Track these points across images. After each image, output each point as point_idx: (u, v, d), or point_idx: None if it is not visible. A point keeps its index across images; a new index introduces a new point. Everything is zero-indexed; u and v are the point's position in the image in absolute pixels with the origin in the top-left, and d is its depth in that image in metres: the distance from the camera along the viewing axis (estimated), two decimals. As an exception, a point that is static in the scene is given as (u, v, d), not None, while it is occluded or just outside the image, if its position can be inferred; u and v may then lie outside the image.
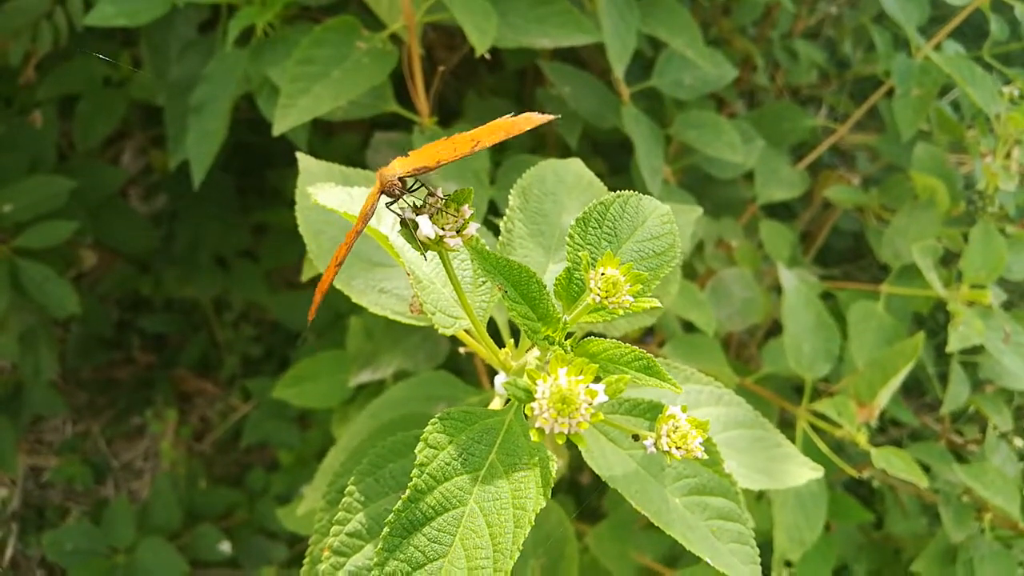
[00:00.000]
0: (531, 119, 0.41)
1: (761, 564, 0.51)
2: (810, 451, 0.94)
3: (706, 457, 0.41)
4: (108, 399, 1.69)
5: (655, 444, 0.40)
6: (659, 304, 0.41)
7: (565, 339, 0.42)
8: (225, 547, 1.37)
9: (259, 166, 1.55)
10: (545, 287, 0.42)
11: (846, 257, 1.60)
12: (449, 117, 1.21)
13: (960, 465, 0.99)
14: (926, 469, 1.03)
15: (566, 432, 0.36)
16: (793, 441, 0.95)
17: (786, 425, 1.04)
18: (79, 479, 1.56)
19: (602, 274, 0.40)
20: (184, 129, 1.02)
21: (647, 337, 1.14)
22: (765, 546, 0.87)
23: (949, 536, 1.00)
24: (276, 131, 0.82)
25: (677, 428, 0.40)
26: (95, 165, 1.39)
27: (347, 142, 1.41)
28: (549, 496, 0.38)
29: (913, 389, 1.51)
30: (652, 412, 0.47)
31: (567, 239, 0.44)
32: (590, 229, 0.45)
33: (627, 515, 0.97)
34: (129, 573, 1.27)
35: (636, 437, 0.41)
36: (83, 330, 1.60)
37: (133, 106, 1.33)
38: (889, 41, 1.25)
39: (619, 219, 0.45)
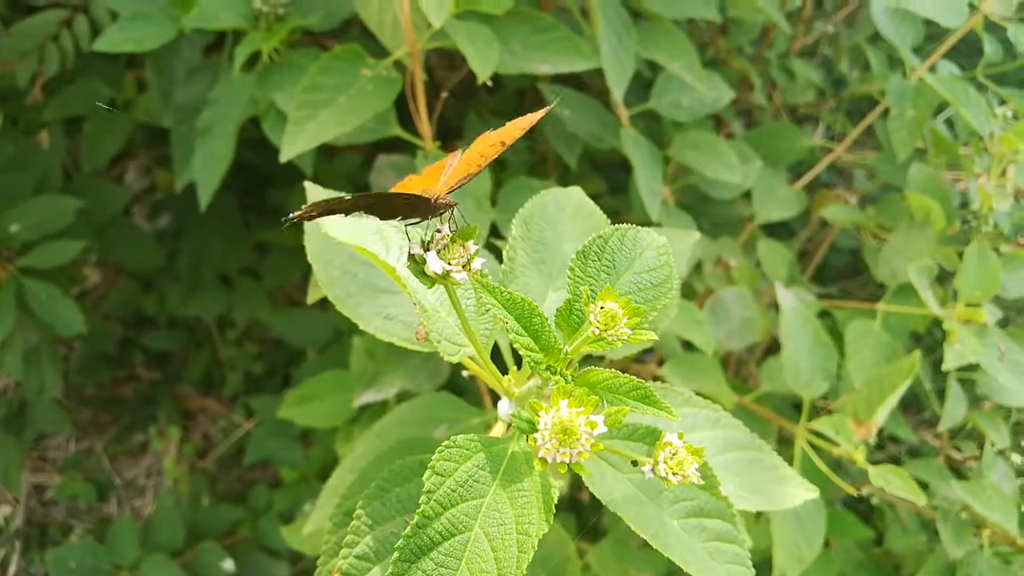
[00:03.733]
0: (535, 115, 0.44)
1: (760, 583, 0.52)
2: (808, 469, 0.95)
3: (702, 481, 0.42)
4: (111, 416, 1.70)
5: (653, 470, 0.41)
6: (656, 337, 0.42)
7: (567, 368, 0.44)
8: (228, 565, 1.37)
9: (261, 185, 1.57)
10: (547, 320, 0.43)
11: (844, 274, 1.62)
12: (449, 136, 1.23)
13: (958, 482, 1.00)
14: (924, 486, 1.04)
15: (568, 461, 0.38)
16: (791, 459, 0.97)
17: (785, 443, 1.05)
18: (82, 496, 1.57)
19: (601, 307, 0.42)
20: (191, 152, 1.03)
21: (647, 355, 1.15)
22: (764, 564, 0.88)
23: (948, 552, 1.01)
24: (284, 157, 0.83)
25: (674, 455, 0.41)
26: (100, 184, 1.40)
27: (349, 161, 1.42)
28: (551, 521, 0.40)
29: (911, 405, 1.52)
30: (650, 437, 0.48)
31: (568, 272, 0.46)
32: (590, 262, 0.46)
33: (627, 533, 0.98)
34: (133, 591, 1.28)
35: (635, 463, 0.43)
36: (87, 347, 1.61)
37: (137, 125, 1.34)
38: (884, 61, 1.27)
39: (617, 252, 0.47)
